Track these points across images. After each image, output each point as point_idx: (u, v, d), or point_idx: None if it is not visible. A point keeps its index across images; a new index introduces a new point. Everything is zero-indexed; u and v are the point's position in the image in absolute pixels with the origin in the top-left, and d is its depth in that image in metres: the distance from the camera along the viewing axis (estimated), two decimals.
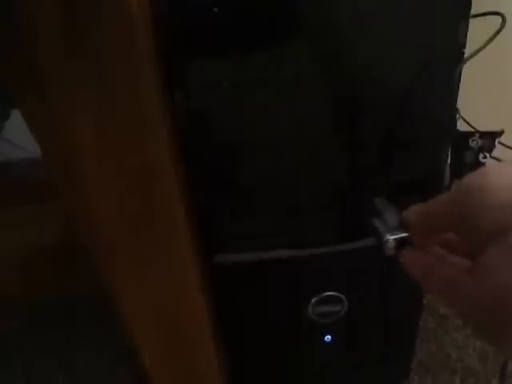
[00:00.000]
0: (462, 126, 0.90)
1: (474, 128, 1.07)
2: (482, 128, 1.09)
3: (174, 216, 0.49)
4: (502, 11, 0.56)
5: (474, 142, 0.48)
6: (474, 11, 0.53)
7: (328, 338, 0.71)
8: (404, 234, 0.48)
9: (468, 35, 0.51)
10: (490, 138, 0.48)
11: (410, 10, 0.47)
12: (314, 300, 0.66)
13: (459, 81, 0.50)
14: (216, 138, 0.53)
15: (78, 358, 0.88)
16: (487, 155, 0.48)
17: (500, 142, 1.05)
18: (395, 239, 0.47)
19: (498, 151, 0.97)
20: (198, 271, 0.57)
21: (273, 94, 0.50)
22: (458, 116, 0.88)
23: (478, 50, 0.51)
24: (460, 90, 1.33)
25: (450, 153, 0.50)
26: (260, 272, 0.62)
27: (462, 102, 1.32)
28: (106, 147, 0.43)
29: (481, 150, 0.48)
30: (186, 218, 0.52)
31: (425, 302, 0.94)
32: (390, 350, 0.76)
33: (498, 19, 0.57)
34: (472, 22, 0.51)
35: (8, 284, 0.91)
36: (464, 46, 0.50)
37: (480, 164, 0.49)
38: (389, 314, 0.71)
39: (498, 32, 0.55)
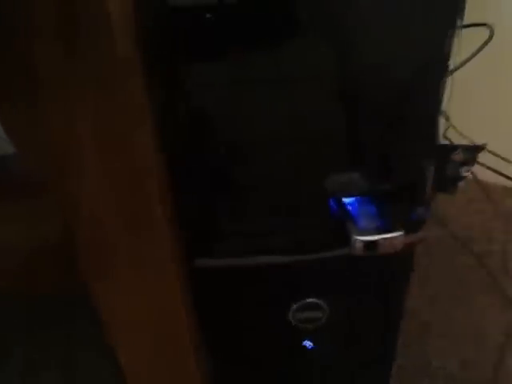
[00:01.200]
0: (452, 135, 0.91)
1: (465, 137, 1.07)
2: (473, 136, 1.09)
3: (153, 218, 0.49)
4: (490, 22, 0.56)
5: (457, 156, 0.48)
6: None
7: (309, 343, 0.71)
8: (373, 237, 0.51)
9: (459, 45, 0.51)
10: (472, 152, 0.47)
11: (397, 20, 0.47)
12: (294, 306, 0.66)
13: (443, 93, 0.50)
14: (201, 140, 0.52)
15: (77, 357, 0.87)
16: (469, 169, 0.48)
17: (490, 151, 1.05)
18: (363, 240, 0.51)
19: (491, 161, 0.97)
20: (178, 274, 0.56)
21: (262, 94, 0.50)
22: (448, 125, 0.88)
23: (465, 62, 0.51)
24: (452, 98, 1.33)
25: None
26: (241, 277, 0.62)
27: (453, 111, 1.32)
28: (93, 148, 0.42)
29: (463, 163, 0.48)
30: (167, 220, 0.51)
31: (408, 307, 0.95)
32: (370, 355, 0.76)
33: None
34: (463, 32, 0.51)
35: (6, 280, 0.90)
36: (449, 57, 0.50)
37: (461, 177, 0.49)
38: (369, 320, 0.71)
39: (486, 43, 0.55)
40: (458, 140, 0.97)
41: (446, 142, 0.84)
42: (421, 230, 0.56)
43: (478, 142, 1.09)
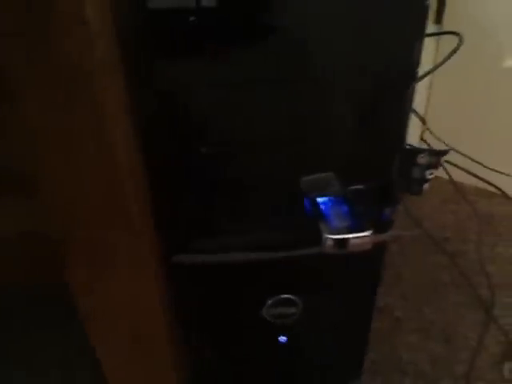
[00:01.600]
0: (428, 137, 0.93)
1: (440, 140, 1.10)
2: (449, 139, 1.12)
3: (129, 214, 0.50)
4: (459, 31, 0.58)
5: (423, 159, 0.50)
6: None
7: (283, 338, 0.73)
8: (342, 236, 0.52)
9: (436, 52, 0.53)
10: (437, 155, 0.50)
11: (365, 27, 0.49)
12: (269, 302, 0.67)
13: (411, 99, 0.52)
14: (176, 138, 0.54)
15: (75, 355, 0.87)
16: (433, 172, 0.50)
17: (462, 153, 1.08)
18: (333, 239, 0.53)
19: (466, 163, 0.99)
20: (156, 271, 0.57)
21: (237, 96, 0.51)
22: (425, 128, 0.91)
23: (433, 69, 0.53)
24: (429, 103, 1.36)
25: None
26: (217, 273, 0.64)
27: (430, 115, 1.35)
28: (67, 146, 0.43)
29: (428, 166, 0.50)
30: (144, 218, 0.53)
31: (381, 304, 0.98)
32: (343, 350, 0.78)
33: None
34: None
35: None
36: (418, 64, 0.52)
37: (426, 180, 0.51)
38: (342, 317, 0.73)
39: (455, 51, 0.57)
40: (434, 142, 1.00)
41: (423, 145, 0.86)
42: (389, 230, 0.58)
43: (453, 144, 1.12)
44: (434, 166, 0.49)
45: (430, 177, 0.50)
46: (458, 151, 1.09)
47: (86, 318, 0.56)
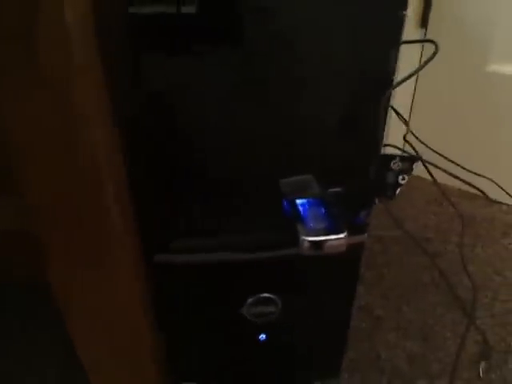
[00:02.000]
0: (412, 139, 0.95)
1: (422, 143, 1.12)
2: (433, 142, 1.14)
3: (106, 214, 0.51)
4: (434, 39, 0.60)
5: (395, 165, 0.51)
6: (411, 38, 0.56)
7: (262, 336, 0.74)
8: (318, 238, 0.54)
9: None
10: (409, 162, 0.51)
11: (341, 34, 0.50)
12: (249, 301, 0.69)
13: (387, 106, 0.53)
14: (158, 139, 0.55)
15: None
16: (406, 177, 0.52)
17: (445, 156, 1.10)
18: (309, 241, 0.54)
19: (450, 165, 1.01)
20: (136, 270, 0.58)
21: (216, 96, 0.53)
22: (408, 130, 0.93)
23: (407, 78, 0.55)
24: (413, 105, 1.38)
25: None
26: (197, 273, 0.65)
27: (414, 117, 1.37)
28: (42, 145, 0.44)
29: (400, 172, 0.51)
30: (122, 217, 0.53)
31: (362, 303, 1.00)
32: (321, 349, 0.80)
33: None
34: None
35: None
36: (393, 72, 0.53)
37: (399, 185, 0.52)
38: (321, 316, 0.75)
39: (431, 59, 0.59)
40: (417, 145, 1.02)
41: (406, 147, 0.88)
42: (365, 232, 0.60)
43: (437, 146, 1.14)
44: (406, 171, 0.50)
45: (402, 182, 0.51)
46: (441, 154, 1.11)
47: (66, 316, 0.57)
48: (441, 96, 1.25)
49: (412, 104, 1.28)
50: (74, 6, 0.40)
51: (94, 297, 0.56)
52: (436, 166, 0.91)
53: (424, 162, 0.56)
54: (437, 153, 1.10)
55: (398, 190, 0.52)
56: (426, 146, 1.10)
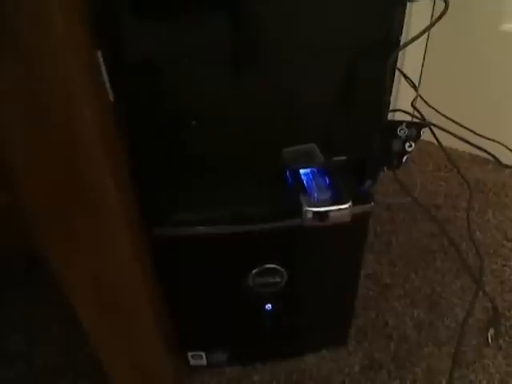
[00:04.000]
0: (420, 105, 0.92)
1: (432, 107, 1.08)
2: (442, 107, 1.10)
3: (102, 187, 0.49)
4: None
5: (402, 132, 0.49)
6: None
7: (269, 306, 0.74)
8: (322, 208, 0.53)
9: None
10: (416, 128, 0.49)
11: None
12: (254, 271, 0.68)
13: (394, 70, 0.51)
14: (152, 110, 0.53)
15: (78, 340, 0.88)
16: (413, 144, 0.50)
17: (455, 120, 1.07)
18: (313, 211, 0.53)
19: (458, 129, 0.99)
20: (132, 242, 0.57)
21: (213, 68, 0.50)
22: (416, 94, 0.89)
23: (417, 37, 0.52)
24: (423, 68, 1.33)
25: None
26: (200, 246, 0.64)
27: (424, 81, 1.32)
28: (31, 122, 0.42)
29: (407, 139, 0.49)
30: (118, 190, 0.52)
31: (370, 271, 0.99)
32: (329, 318, 0.80)
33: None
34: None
35: None
36: (400, 31, 0.50)
37: (406, 152, 0.50)
38: (328, 285, 0.75)
39: (440, 17, 0.56)
40: (425, 110, 0.99)
41: (414, 112, 0.85)
42: (370, 201, 0.58)
43: (446, 111, 1.11)
44: (414, 138, 0.48)
45: (409, 149, 0.49)
46: (451, 119, 1.08)
47: (67, 290, 0.56)
48: (452, 57, 1.21)
49: (422, 68, 1.23)
50: None
51: (94, 269, 0.55)
52: (446, 131, 0.88)
53: (431, 128, 0.54)
54: (447, 117, 1.06)
55: (405, 157, 0.50)
56: (436, 110, 1.07)
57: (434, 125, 0.74)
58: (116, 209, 0.51)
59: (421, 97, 1.00)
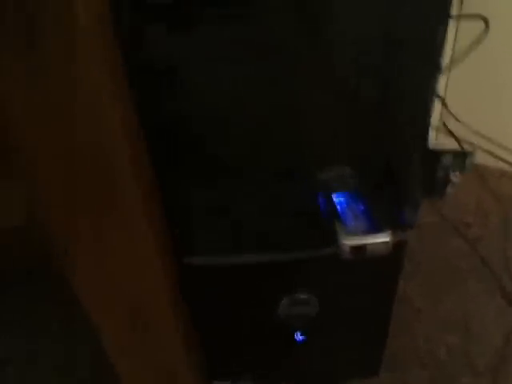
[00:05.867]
0: (446, 118, 0.89)
1: (461, 122, 1.04)
2: (470, 122, 1.06)
3: (133, 217, 0.48)
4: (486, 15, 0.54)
5: (446, 160, 0.46)
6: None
7: (300, 336, 0.71)
8: (360, 241, 0.49)
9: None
10: (462, 157, 0.46)
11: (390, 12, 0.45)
12: (284, 302, 0.66)
13: (434, 93, 0.48)
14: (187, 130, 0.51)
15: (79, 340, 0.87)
16: (458, 174, 0.47)
17: (484, 135, 1.04)
18: (350, 246, 0.50)
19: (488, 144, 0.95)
20: (163, 269, 0.56)
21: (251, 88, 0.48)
22: (445, 111, 0.86)
23: (463, 58, 0.49)
24: (449, 82, 1.29)
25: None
26: (229, 274, 0.62)
27: (451, 97, 1.27)
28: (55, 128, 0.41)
29: (452, 168, 0.47)
30: (151, 219, 0.51)
31: (400, 293, 0.95)
32: (361, 347, 0.77)
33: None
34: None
35: None
36: (440, 54, 0.47)
37: (450, 181, 0.47)
38: (360, 315, 0.71)
39: (480, 38, 0.53)
40: (454, 125, 0.96)
41: (442, 128, 0.82)
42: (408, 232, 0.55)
43: (475, 126, 1.07)
44: (460, 167, 0.45)
45: (454, 179, 0.46)
46: (480, 133, 1.04)
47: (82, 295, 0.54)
48: (479, 72, 1.17)
49: (447, 80, 1.20)
50: None
51: (119, 294, 0.53)
52: (476, 146, 0.85)
53: (474, 156, 0.50)
54: (477, 133, 1.03)
55: (449, 187, 0.47)
56: (464, 125, 1.04)
57: (464, 141, 0.71)
58: (147, 235, 0.49)
59: (450, 112, 0.97)
